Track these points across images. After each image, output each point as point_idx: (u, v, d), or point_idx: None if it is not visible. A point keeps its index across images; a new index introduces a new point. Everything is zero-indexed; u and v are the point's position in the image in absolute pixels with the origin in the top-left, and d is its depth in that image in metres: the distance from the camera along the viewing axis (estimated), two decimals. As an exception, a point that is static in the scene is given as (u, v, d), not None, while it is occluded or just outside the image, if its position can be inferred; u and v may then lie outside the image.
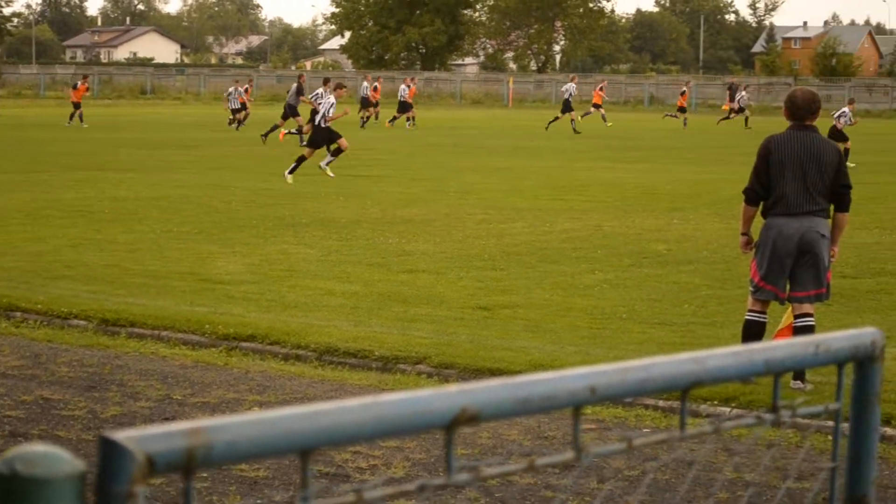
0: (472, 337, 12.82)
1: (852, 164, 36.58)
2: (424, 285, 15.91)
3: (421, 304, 14.66)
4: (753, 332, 10.92)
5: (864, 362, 2.52)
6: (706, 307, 14.58)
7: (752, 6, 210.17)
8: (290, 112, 44.92)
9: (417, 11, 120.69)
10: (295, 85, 46.08)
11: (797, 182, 10.75)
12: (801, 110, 10.88)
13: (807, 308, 10.90)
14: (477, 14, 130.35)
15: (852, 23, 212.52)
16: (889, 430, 9.73)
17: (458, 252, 18.67)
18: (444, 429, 1.90)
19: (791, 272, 10.86)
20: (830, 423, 2.64)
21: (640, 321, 13.76)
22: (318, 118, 30.40)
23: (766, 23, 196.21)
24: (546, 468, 2.00)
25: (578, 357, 11.71)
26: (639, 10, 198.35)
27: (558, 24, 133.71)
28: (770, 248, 10.82)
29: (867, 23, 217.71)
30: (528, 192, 28.02)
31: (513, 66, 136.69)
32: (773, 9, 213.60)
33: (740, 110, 64.12)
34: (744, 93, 65.63)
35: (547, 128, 56.45)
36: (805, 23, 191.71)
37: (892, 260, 18.16)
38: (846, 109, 39.69)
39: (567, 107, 57.84)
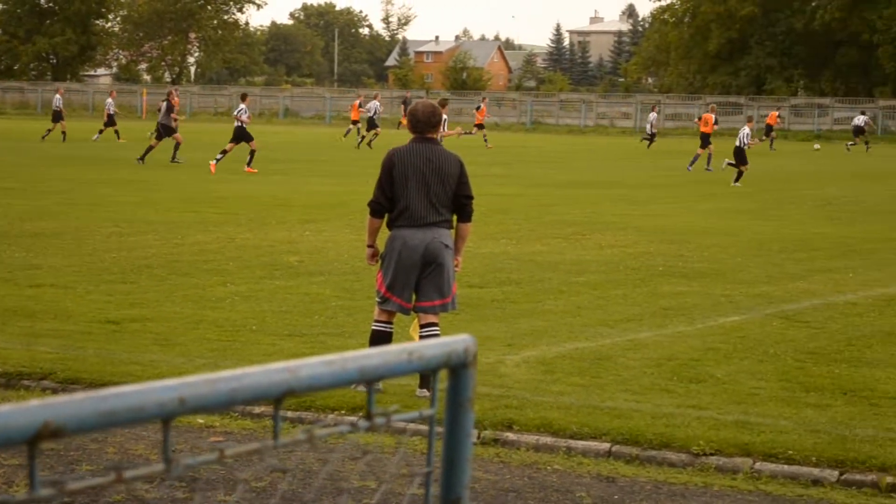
0: (100, 351, 12.57)
1: (738, 185, 37.50)
2: (51, 300, 15.52)
3: (47, 318, 14.29)
4: (379, 342, 11.04)
5: (457, 369, 2.56)
6: (336, 318, 14.69)
7: (386, 20, 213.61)
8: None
9: (48, 21, 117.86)
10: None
11: (420, 194, 10.94)
12: (422, 123, 11.09)
13: (432, 318, 11.11)
14: (109, 24, 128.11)
15: (483, 38, 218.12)
16: (510, 435, 10.02)
17: (88, 266, 18.29)
18: (26, 444, 1.86)
19: (417, 283, 11.04)
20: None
21: (271, 333, 13.77)
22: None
23: (400, 37, 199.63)
24: (135, 480, 1.98)
25: (207, 370, 11.61)
26: (274, 23, 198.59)
27: (192, 35, 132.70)
28: (396, 259, 10.98)
29: (497, 38, 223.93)
30: (160, 204, 27.67)
31: (147, 77, 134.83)
32: (406, 23, 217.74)
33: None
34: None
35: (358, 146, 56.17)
36: (437, 37, 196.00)
37: (518, 270, 18.71)
38: (746, 129, 40.04)
39: (372, 124, 57.73)
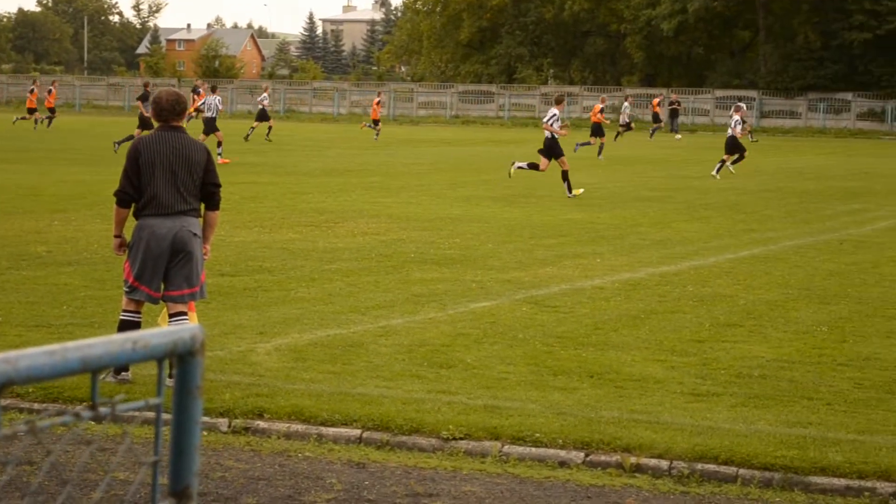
0: None
1: (717, 174, 37.25)
2: None
3: None
4: (128, 331, 10.87)
5: (184, 357, 2.54)
6: (85, 308, 14.41)
7: (136, 8, 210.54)
8: None
9: None
10: None
11: (168, 183, 10.80)
12: (166, 111, 10.94)
13: (181, 307, 10.99)
14: None
15: (235, 26, 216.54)
16: (262, 424, 9.97)
17: None
18: None
19: (165, 272, 10.90)
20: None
21: (18, 324, 13.43)
22: None
23: (151, 24, 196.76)
24: None
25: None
26: (21, 10, 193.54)
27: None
28: (143, 248, 10.82)
29: (250, 26, 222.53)
30: None
31: None
32: (157, 11, 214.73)
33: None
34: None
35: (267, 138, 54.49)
36: (189, 25, 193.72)
37: (270, 258, 18.62)
38: (737, 117, 39.46)
39: (263, 116, 56.12)
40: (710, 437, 9.57)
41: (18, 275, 16.69)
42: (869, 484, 8.83)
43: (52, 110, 62.79)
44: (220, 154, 40.27)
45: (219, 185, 11.08)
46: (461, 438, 9.60)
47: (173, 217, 10.82)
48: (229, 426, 9.92)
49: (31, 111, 61.86)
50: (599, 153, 47.88)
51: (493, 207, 27.42)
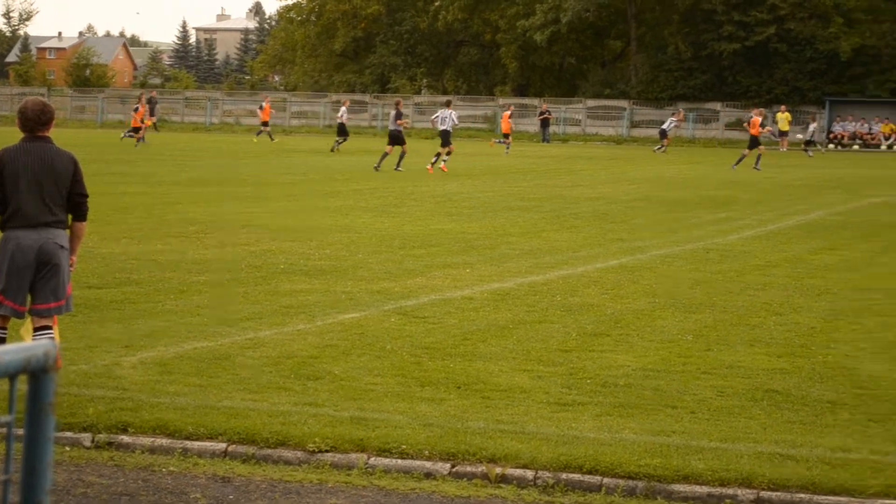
0: None
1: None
2: None
3: None
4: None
5: (37, 374, 2.52)
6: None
7: (7, 15, 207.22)
8: None
9: None
10: None
11: (33, 194, 10.65)
12: (31, 121, 10.78)
13: (46, 321, 10.84)
14: None
15: (108, 34, 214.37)
16: (125, 438, 9.87)
17: None
18: None
19: (31, 285, 10.75)
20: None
21: None
22: None
23: (21, 32, 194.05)
24: None
25: None
26: None
27: None
28: (9, 261, 10.65)
29: (122, 34, 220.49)
30: None
31: None
32: (28, 18, 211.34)
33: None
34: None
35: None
36: (60, 33, 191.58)
37: (138, 270, 18.42)
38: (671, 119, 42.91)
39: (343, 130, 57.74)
40: (575, 447, 9.64)
41: None
42: (730, 491, 8.96)
43: None
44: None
45: (86, 196, 10.94)
46: (327, 451, 9.57)
47: (39, 229, 10.67)
48: (92, 441, 9.80)
49: None
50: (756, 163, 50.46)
51: (364, 217, 27.40)
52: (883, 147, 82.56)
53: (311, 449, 9.59)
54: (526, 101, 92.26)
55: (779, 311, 16.34)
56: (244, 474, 9.25)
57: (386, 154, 44.96)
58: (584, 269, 19.92)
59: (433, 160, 45.11)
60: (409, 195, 33.47)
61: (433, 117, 47.80)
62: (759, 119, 52.64)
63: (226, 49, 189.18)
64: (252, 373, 11.96)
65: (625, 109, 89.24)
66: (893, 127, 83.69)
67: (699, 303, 16.85)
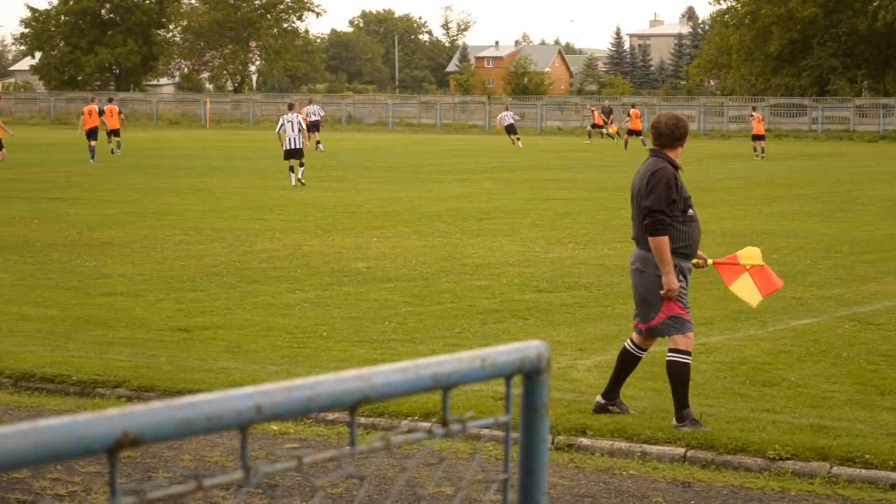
0: (172, 359, 12.65)
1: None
2: (123, 308, 15.64)
3: (119, 327, 14.41)
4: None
5: (530, 375, 2.54)
6: (406, 324, 14.70)
7: (445, 26, 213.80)
8: None
9: (109, 32, 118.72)
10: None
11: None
12: (664, 136, 10.81)
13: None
14: (171, 34, 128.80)
15: (543, 42, 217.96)
16: (584, 441, 9.99)
17: (157, 274, 18.42)
18: (106, 452, 1.86)
19: None
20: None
21: (341, 339, 13.79)
22: None
23: (460, 42, 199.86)
24: (214, 488, 1.98)
25: (280, 377, 11.65)
26: (333, 30, 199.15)
27: (253, 44, 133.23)
28: None
29: (557, 42, 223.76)
30: (226, 212, 27.83)
31: (209, 86, 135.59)
32: (466, 28, 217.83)
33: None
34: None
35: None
36: (497, 42, 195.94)
37: (586, 274, 18.65)
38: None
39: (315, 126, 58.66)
40: None
41: (340, 290, 17.14)
42: None
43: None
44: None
45: (650, 209, 10.78)
46: (788, 458, 9.41)
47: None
48: (552, 443, 9.96)
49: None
50: None
51: (810, 222, 26.83)
52: None
53: (771, 456, 9.46)
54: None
55: None
56: (704, 480, 9.21)
57: None
58: None
59: None
60: (855, 200, 32.57)
61: None
62: None
63: (659, 54, 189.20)
64: (706, 378, 11.90)
65: None
66: None
67: None
